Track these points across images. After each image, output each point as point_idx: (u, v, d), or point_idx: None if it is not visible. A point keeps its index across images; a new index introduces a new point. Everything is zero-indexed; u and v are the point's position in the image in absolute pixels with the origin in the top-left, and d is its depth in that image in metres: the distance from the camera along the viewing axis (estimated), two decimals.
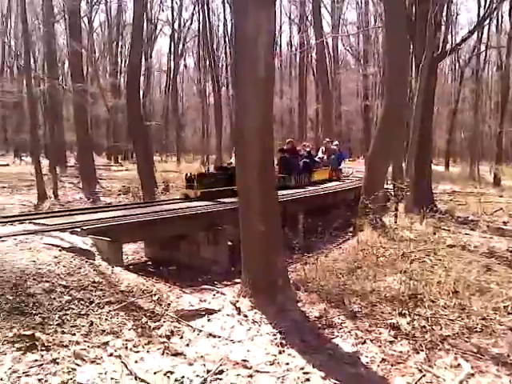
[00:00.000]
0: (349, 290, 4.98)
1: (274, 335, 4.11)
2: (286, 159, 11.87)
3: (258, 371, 3.51)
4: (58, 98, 23.50)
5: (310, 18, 31.87)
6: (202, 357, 3.72)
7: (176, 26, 35.72)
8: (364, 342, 3.95)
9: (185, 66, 42.86)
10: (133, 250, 8.09)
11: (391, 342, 3.96)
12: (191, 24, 36.72)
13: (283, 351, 3.84)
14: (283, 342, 3.98)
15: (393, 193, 10.54)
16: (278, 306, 4.57)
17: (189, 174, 9.31)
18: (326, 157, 14.56)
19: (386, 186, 10.64)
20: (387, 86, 9.16)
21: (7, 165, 26.10)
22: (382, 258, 6.19)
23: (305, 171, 12.69)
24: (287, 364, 3.64)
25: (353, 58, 40.42)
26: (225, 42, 36.18)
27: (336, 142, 15.83)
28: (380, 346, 3.88)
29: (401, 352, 3.80)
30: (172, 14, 35.19)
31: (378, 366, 3.61)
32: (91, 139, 20.14)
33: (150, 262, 7.53)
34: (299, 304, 4.70)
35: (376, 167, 8.80)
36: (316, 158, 13.98)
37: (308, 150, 13.51)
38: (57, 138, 22.67)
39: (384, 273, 5.54)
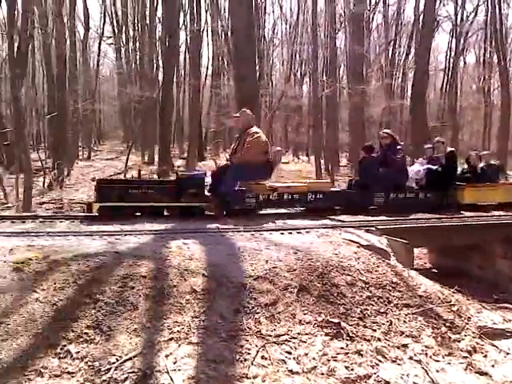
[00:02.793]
0: None
1: None
2: (364, 162, 7.84)
3: None
4: (335, 101, 24.91)
5: None
6: (511, 382, 3.38)
7: (458, 20, 33.69)
8: None
9: (464, 62, 40.16)
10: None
11: None
12: (475, 16, 34.11)
13: None
14: None
15: None
16: None
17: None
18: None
19: None
20: None
21: (287, 163, 28.99)
22: None
23: (431, 186, 7.62)
24: None
25: None
26: None
27: None
28: None
29: None
30: (455, 7, 33.21)
31: None
32: (365, 139, 20.68)
33: (434, 270, 7.30)
34: None
35: None
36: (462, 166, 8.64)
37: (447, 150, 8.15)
38: (332, 139, 24.10)
39: None
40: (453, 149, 8.43)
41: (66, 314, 3.54)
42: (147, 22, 27.90)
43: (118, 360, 3.18)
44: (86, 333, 3.40)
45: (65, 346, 3.28)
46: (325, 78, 23.74)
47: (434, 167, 7.90)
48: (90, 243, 4.63)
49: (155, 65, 26.88)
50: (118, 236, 4.92)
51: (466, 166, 8.83)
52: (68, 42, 18.18)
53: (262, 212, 6.78)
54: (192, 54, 24.52)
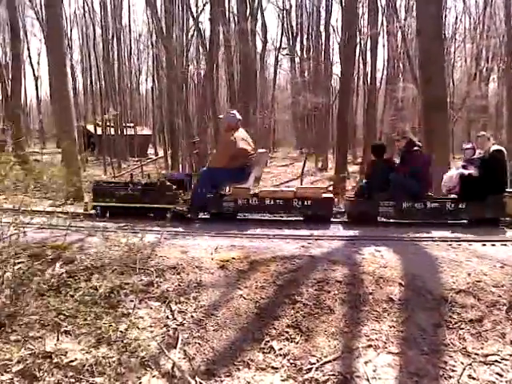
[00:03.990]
0: None
1: None
2: (373, 165, 6.80)
3: None
4: None
5: None
6: None
7: None
8: None
9: None
10: None
11: None
12: None
13: None
14: None
15: None
16: None
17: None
18: None
19: None
20: None
21: None
22: None
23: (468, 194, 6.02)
24: None
25: None
26: None
27: None
28: None
29: None
30: None
31: None
32: None
33: None
34: None
35: None
36: None
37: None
38: None
39: None
40: (500, 147, 6.30)
41: (267, 312, 3.77)
42: (321, 30, 28.47)
43: (318, 361, 3.27)
44: (286, 331, 3.57)
45: (268, 342, 3.49)
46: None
47: (467, 172, 6.24)
48: (285, 246, 4.87)
49: (329, 72, 27.25)
50: (310, 240, 5.08)
51: None
52: (251, 53, 19.46)
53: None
54: (370, 58, 24.20)
